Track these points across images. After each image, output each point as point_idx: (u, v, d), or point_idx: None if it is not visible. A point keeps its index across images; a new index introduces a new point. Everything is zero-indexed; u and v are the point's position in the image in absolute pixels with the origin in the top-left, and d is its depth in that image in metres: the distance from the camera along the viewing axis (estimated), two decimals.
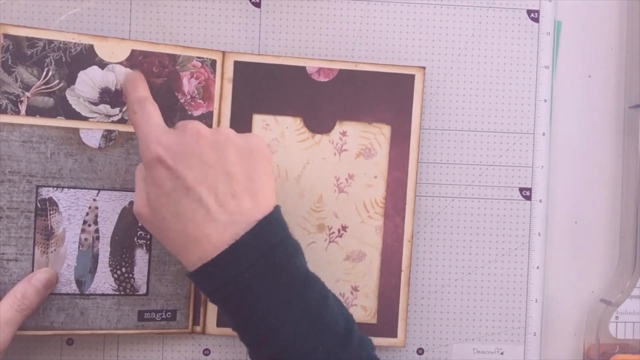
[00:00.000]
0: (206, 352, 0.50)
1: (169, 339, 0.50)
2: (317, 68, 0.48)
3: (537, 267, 0.51)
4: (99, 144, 0.46)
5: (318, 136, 0.49)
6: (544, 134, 0.51)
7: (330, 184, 0.49)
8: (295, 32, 0.50)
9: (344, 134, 0.49)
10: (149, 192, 0.41)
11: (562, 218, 0.52)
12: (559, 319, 0.52)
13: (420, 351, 0.51)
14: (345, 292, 0.49)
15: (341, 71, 0.49)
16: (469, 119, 0.51)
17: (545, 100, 0.51)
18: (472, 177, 0.51)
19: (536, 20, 0.51)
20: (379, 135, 0.49)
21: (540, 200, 0.51)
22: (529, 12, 0.51)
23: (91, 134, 0.46)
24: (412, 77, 0.49)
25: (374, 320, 0.49)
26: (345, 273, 0.49)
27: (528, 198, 0.51)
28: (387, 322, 0.49)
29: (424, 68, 0.49)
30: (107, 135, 0.46)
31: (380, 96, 0.49)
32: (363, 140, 0.49)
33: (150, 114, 0.42)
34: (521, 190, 0.51)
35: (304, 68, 0.48)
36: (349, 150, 0.49)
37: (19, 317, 0.43)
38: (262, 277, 0.39)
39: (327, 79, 0.49)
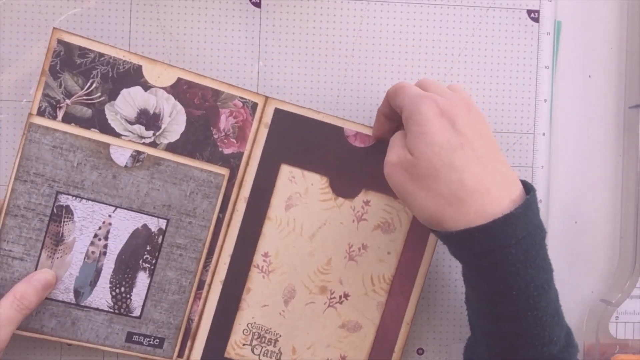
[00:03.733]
0: None
1: None
2: (355, 132, 0.48)
3: None
4: (127, 163, 0.46)
5: (341, 200, 0.48)
6: (544, 134, 0.51)
7: (342, 250, 0.48)
8: (295, 32, 0.50)
9: (367, 203, 0.48)
10: (415, 142, 0.39)
11: (562, 218, 0.52)
12: None
13: (420, 351, 0.51)
14: (333, 359, 0.49)
15: (379, 140, 0.48)
16: None
17: (545, 100, 0.51)
18: None
19: (536, 20, 0.51)
20: (401, 212, 0.48)
21: (540, 201, 0.51)
22: (529, 12, 0.51)
23: (121, 152, 0.46)
24: None
25: None
26: (337, 340, 0.49)
27: None
28: None
29: None
30: (136, 156, 0.46)
31: None
32: (384, 214, 0.48)
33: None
34: None
35: (341, 129, 0.48)
36: (368, 221, 0.48)
37: (18, 316, 0.44)
38: (525, 254, 0.38)
39: (362, 145, 0.48)
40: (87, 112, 0.46)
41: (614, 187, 0.52)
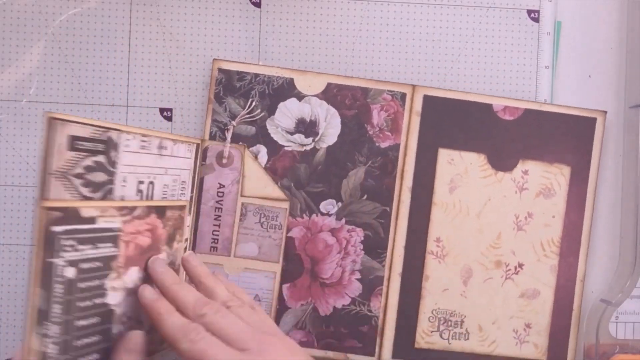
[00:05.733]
0: None
1: None
2: (503, 106, 0.49)
3: None
4: None
5: (500, 174, 0.49)
6: None
7: (509, 222, 0.49)
8: (296, 32, 0.50)
9: (525, 172, 0.49)
10: None
11: None
12: None
13: None
14: (519, 328, 0.50)
15: (526, 111, 0.49)
16: None
17: (545, 100, 0.51)
18: None
19: (536, 20, 0.51)
20: (559, 175, 0.50)
21: None
22: (529, 12, 0.51)
23: None
24: (594, 120, 0.50)
25: (544, 358, 0.50)
26: (519, 310, 0.50)
27: None
28: (556, 359, 0.50)
29: (605, 112, 0.50)
30: None
31: (562, 137, 0.49)
32: (544, 180, 0.49)
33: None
34: None
35: (490, 106, 0.49)
36: (529, 189, 0.49)
37: None
38: None
39: (512, 118, 0.49)
40: (251, 130, 0.47)
41: (614, 187, 0.52)
